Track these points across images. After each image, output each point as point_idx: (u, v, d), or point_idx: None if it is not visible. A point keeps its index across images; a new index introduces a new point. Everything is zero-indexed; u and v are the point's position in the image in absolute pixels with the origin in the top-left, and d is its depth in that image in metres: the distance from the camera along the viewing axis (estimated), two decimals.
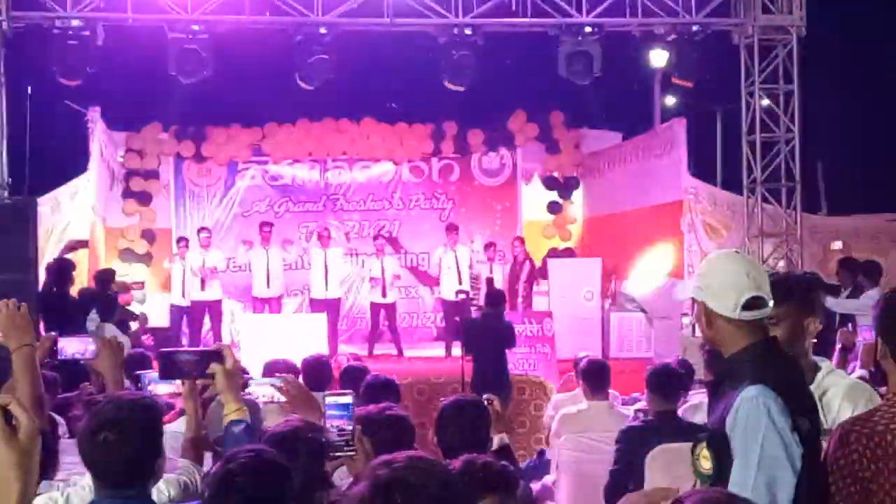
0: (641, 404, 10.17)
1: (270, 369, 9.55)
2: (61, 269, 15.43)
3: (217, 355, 4.99)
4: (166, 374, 5.30)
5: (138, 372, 6.18)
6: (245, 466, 4.02)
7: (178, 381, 5.70)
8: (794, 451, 4.16)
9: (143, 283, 21.17)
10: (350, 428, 5.02)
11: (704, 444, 4.29)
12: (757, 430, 4.15)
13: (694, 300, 4.65)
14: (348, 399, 5.10)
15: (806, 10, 17.53)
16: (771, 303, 4.50)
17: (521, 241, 21.52)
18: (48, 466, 5.03)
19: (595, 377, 10.34)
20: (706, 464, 4.26)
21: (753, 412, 4.17)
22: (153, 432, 4.41)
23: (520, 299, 21.05)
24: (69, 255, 16.98)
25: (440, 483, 2.92)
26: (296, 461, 4.74)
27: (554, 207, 24.43)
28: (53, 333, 5.87)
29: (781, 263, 17.85)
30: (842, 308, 16.00)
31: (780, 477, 4.11)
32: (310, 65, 17.35)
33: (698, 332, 5.25)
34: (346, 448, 4.99)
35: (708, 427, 4.50)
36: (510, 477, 4.53)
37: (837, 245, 20.27)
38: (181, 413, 5.66)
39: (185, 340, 20.07)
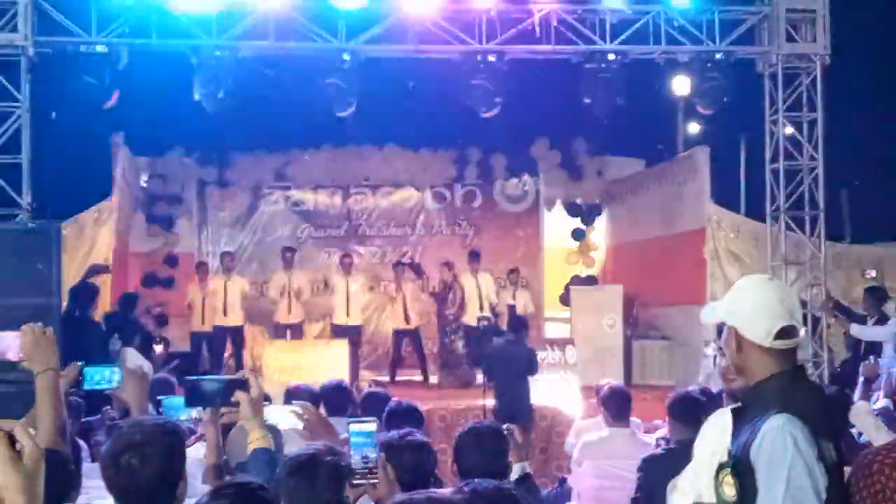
0: (663, 432, 10.13)
1: (291, 396, 9.55)
2: (84, 293, 15.47)
3: (242, 383, 5.01)
4: (192, 402, 5.31)
5: (160, 397, 6.18)
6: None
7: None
8: (819, 481, 4.13)
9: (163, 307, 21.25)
10: (374, 455, 5.02)
11: (728, 470, 4.26)
12: (783, 459, 4.12)
13: (722, 325, 4.62)
14: (372, 427, 5.10)
15: (830, 38, 17.49)
16: (802, 331, 4.47)
17: (450, 265, 21.31)
18: (71, 490, 5.03)
19: (616, 404, 10.30)
20: (729, 490, 4.23)
21: (780, 441, 4.14)
22: (176, 457, 4.41)
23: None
24: (92, 280, 17.01)
25: None
26: (315, 485, 4.74)
27: (578, 234, 24.40)
28: (79, 363, 5.87)
29: (813, 290, 17.79)
30: (867, 336, 15.94)
31: None
32: (333, 91, 17.37)
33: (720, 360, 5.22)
34: (368, 475, 4.99)
35: (731, 454, 4.47)
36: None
37: (871, 273, 20.21)
38: (200, 438, 5.66)
39: (206, 366, 20.11)
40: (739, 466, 4.23)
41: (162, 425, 4.65)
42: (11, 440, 2.70)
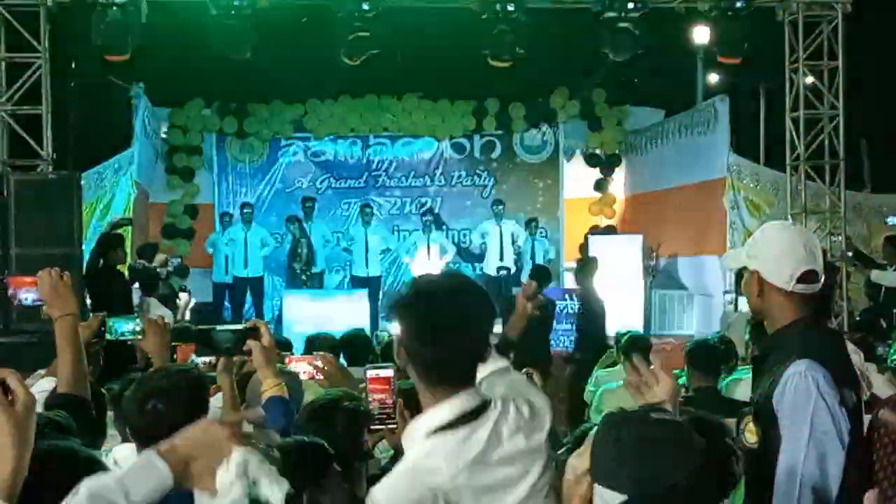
0: (682, 381, 10.16)
1: (311, 344, 9.59)
2: (108, 244, 15.52)
3: (254, 332, 5.02)
4: (204, 351, 5.33)
5: (174, 343, 6.18)
6: None
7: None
8: (842, 426, 4.17)
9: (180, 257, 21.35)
10: (391, 401, 5.02)
11: (750, 417, 4.29)
12: (806, 404, 4.18)
13: (743, 270, 4.62)
14: (390, 372, 5.07)
15: None
16: (823, 277, 4.48)
17: None
18: (94, 436, 5.07)
19: (636, 353, 10.33)
20: (751, 437, 4.25)
21: (802, 386, 4.19)
22: (200, 403, 4.45)
23: None
24: (116, 231, 17.09)
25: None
26: (334, 430, 4.78)
27: (597, 184, 24.38)
28: (101, 314, 5.88)
29: (834, 239, 17.78)
30: (887, 281, 15.94)
31: (829, 451, 4.13)
32: (352, 41, 17.33)
33: (742, 307, 5.24)
34: (387, 421, 5.00)
35: (753, 401, 4.49)
36: None
37: (893, 221, 20.19)
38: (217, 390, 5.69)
39: (227, 316, 20.23)
40: (762, 413, 4.25)
41: (187, 372, 4.71)
42: (4, 388, 2.77)
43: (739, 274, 4.81)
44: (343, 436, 4.80)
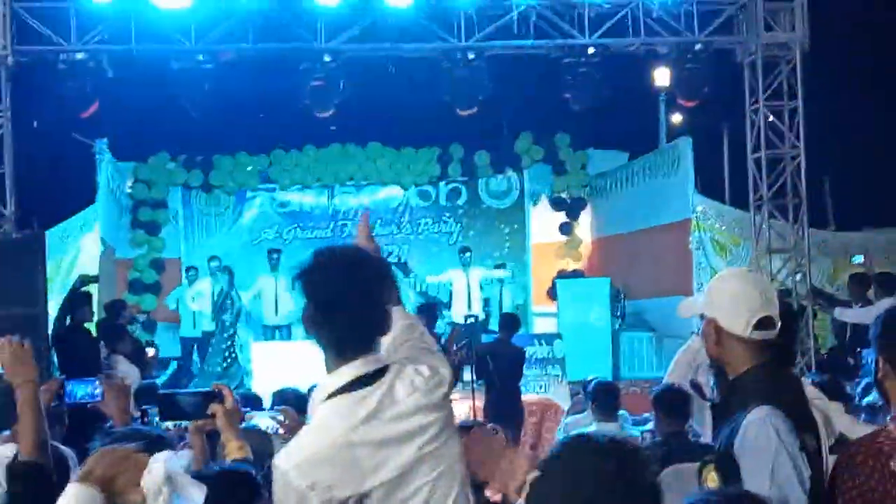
0: (651, 425, 10.16)
1: (279, 398, 9.55)
2: (76, 302, 15.46)
3: (216, 395, 5.02)
4: (167, 416, 5.31)
5: (145, 406, 6.18)
6: None
7: None
8: (803, 472, 4.16)
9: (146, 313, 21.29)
10: None
11: (712, 465, 4.28)
12: (767, 451, 4.16)
13: (702, 317, 4.63)
14: None
15: (809, 26, 17.51)
16: (779, 323, 4.50)
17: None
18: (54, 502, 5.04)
19: (604, 399, 10.36)
20: (713, 485, 4.24)
21: (763, 433, 4.18)
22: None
23: None
24: (83, 289, 17.01)
25: None
26: None
27: (565, 228, 24.42)
28: (61, 377, 5.88)
29: (798, 278, 17.81)
30: (850, 317, 15.99)
31: (791, 497, 4.11)
32: (315, 91, 17.38)
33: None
34: None
35: (714, 448, 4.49)
36: None
37: (859, 259, 20.27)
38: (186, 445, 5.68)
39: (195, 370, 20.15)
40: (723, 461, 4.25)
41: (150, 435, 4.74)
42: None
43: None
44: None
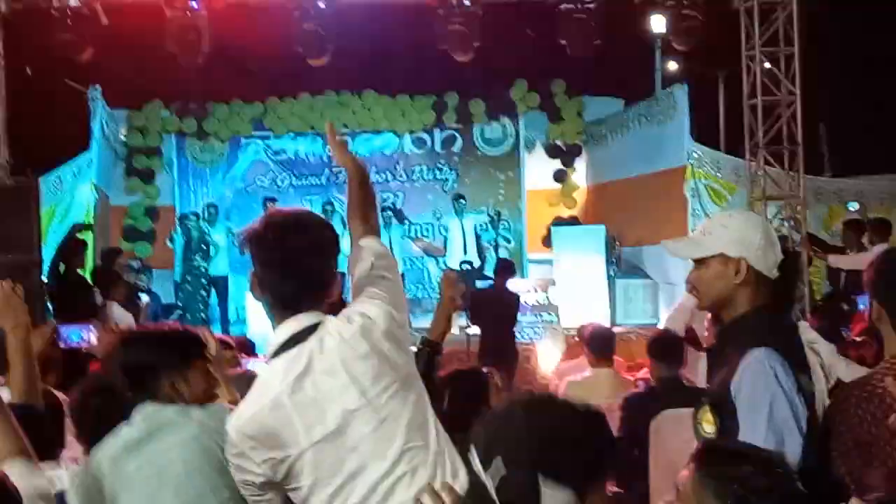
0: (645, 371, 10.17)
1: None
2: (70, 249, 15.45)
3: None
4: None
5: None
6: None
7: None
8: (800, 413, 4.15)
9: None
10: None
11: (707, 407, 4.26)
12: (765, 393, 4.14)
13: (698, 261, 4.55)
14: None
15: None
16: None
17: None
18: (49, 446, 5.05)
19: (599, 344, 10.35)
20: (708, 427, 4.23)
21: (761, 375, 4.16)
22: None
23: None
24: (77, 236, 17.01)
25: None
26: None
27: (560, 175, 24.39)
28: (53, 322, 5.88)
29: (786, 225, 17.81)
30: (844, 264, 16.01)
31: (787, 438, 4.10)
32: (309, 38, 17.31)
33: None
34: None
35: (709, 390, 4.48)
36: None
37: (853, 206, 20.26)
38: None
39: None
40: (719, 403, 4.24)
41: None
42: None
43: None
44: None
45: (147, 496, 4.21)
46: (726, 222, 4.52)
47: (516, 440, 2.66)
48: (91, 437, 4.68)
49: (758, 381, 4.16)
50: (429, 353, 5.79)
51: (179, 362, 4.48)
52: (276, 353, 3.91)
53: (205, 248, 20.61)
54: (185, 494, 4.19)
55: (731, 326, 4.48)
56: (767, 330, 4.35)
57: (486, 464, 2.68)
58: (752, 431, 4.11)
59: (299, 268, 3.97)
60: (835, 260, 16.36)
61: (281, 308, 3.99)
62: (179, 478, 4.19)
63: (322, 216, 4.38)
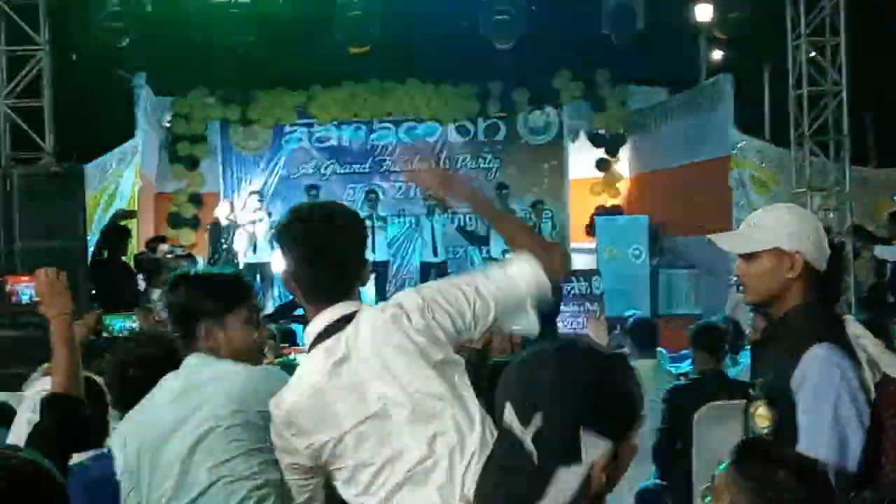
0: (687, 364, 10.12)
1: None
2: (113, 236, 15.53)
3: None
4: None
5: None
6: None
7: None
8: (864, 411, 4.11)
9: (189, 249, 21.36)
10: None
11: (762, 402, 4.23)
12: (829, 389, 4.10)
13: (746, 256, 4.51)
14: None
15: None
16: None
17: None
18: (91, 436, 5.07)
19: (642, 335, 10.33)
20: (762, 422, 4.19)
21: (826, 371, 4.12)
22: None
23: None
24: (121, 222, 17.10)
25: None
26: None
27: (602, 164, 24.34)
28: (98, 311, 5.89)
29: (831, 216, 17.70)
30: (890, 255, 15.91)
31: (851, 435, 4.07)
32: (353, 27, 17.33)
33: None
34: None
35: (759, 384, 4.43)
36: None
37: None
38: None
39: None
40: (776, 397, 4.20)
41: (159, 339, 4.84)
42: None
43: None
44: None
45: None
46: (780, 215, 4.46)
47: (556, 393, 2.62)
48: (129, 407, 4.71)
49: (823, 377, 4.11)
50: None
51: (214, 307, 4.50)
52: (314, 344, 3.97)
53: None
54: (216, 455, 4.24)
55: (783, 321, 4.43)
56: (824, 325, 4.31)
57: (524, 420, 2.65)
58: (815, 428, 4.08)
59: (329, 257, 4.02)
60: (881, 251, 16.26)
61: (314, 299, 4.04)
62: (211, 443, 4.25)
63: (348, 206, 4.44)
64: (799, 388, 4.14)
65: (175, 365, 4.54)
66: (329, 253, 4.01)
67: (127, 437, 4.44)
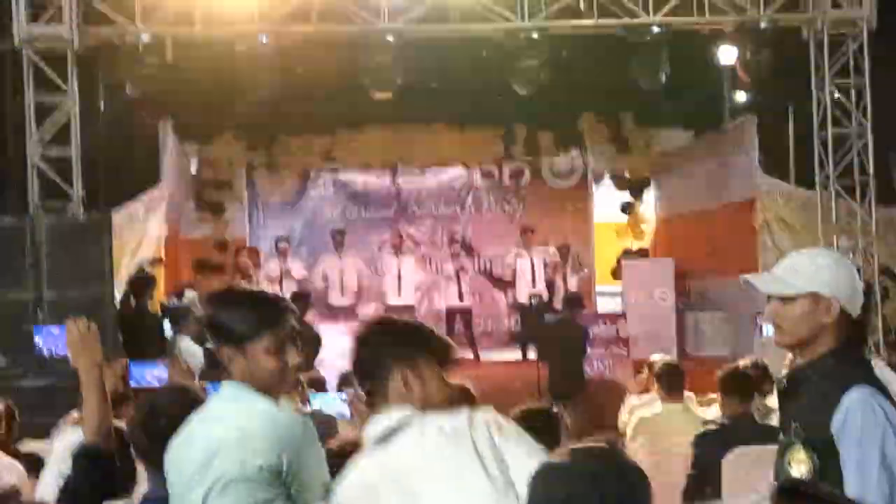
0: (715, 409, 10.08)
1: (345, 380, 9.59)
2: (140, 283, 15.59)
3: None
4: (214, 370, 5.35)
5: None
6: None
7: None
8: None
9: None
10: None
11: (799, 445, 4.21)
12: (875, 432, 4.09)
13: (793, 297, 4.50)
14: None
15: (876, 2, 17.32)
16: None
17: None
18: (127, 482, 5.09)
19: (669, 379, 10.32)
20: (801, 466, 4.17)
21: (870, 414, 4.11)
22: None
23: None
24: (148, 270, 17.16)
25: None
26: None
27: (626, 208, 24.35)
28: (125, 360, 5.93)
29: (858, 257, 17.66)
30: None
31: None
32: (378, 72, 17.40)
33: (768, 332, 5.18)
34: None
35: (794, 429, 4.39)
36: None
37: None
38: None
39: None
40: (816, 442, 4.18)
41: (185, 391, 4.84)
42: None
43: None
44: None
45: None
46: (818, 261, 4.47)
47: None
48: (152, 458, 4.70)
49: (867, 420, 4.10)
50: None
51: (233, 333, 4.33)
52: (373, 443, 3.93)
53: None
54: None
55: (813, 365, 4.42)
56: (861, 368, 4.32)
57: None
58: (863, 472, 4.06)
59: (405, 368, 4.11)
60: None
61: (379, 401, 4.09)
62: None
63: None
64: (841, 431, 4.13)
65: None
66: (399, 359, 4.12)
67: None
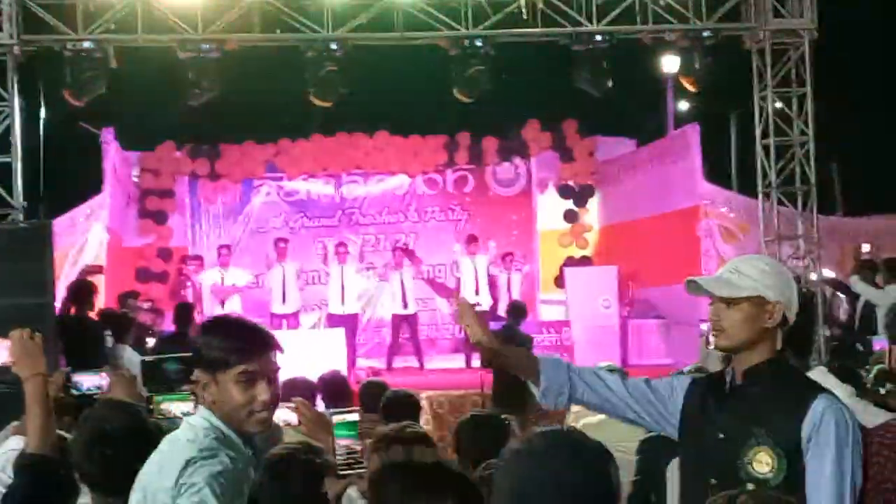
0: None
1: (288, 388, 9.53)
2: (80, 292, 15.44)
3: None
4: (152, 383, 5.27)
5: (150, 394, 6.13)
6: None
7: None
8: (862, 456, 4.21)
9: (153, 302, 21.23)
10: (359, 447, 5.00)
11: (762, 448, 4.22)
12: (846, 439, 4.17)
13: (728, 301, 4.53)
14: (355, 417, 5.05)
15: (818, 12, 17.45)
16: None
17: None
18: (65, 495, 5.02)
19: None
20: (761, 468, 4.19)
21: (842, 420, 4.18)
22: (150, 442, 4.26)
23: None
24: (87, 278, 17.01)
25: None
26: (288, 485, 4.78)
27: (570, 216, 24.40)
28: (66, 369, 5.86)
29: (800, 264, 17.78)
30: (869, 295, 15.98)
31: (847, 488, 4.15)
32: (321, 80, 17.36)
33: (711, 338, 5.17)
34: (355, 466, 4.95)
35: (759, 432, 4.40)
36: None
37: (866, 248, 20.18)
38: None
39: None
40: (783, 444, 4.20)
41: (129, 407, 4.75)
42: None
43: None
44: (299, 490, 4.80)
45: None
46: (761, 266, 4.50)
47: (545, 492, 2.65)
48: (98, 483, 4.61)
49: (840, 428, 4.17)
50: None
51: (210, 357, 4.15)
52: None
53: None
54: None
55: (755, 371, 4.43)
56: (802, 376, 4.38)
57: None
58: (839, 478, 4.14)
59: None
60: (862, 289, 16.33)
61: None
62: None
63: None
64: (813, 435, 4.18)
65: (144, 436, 4.41)
66: None
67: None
